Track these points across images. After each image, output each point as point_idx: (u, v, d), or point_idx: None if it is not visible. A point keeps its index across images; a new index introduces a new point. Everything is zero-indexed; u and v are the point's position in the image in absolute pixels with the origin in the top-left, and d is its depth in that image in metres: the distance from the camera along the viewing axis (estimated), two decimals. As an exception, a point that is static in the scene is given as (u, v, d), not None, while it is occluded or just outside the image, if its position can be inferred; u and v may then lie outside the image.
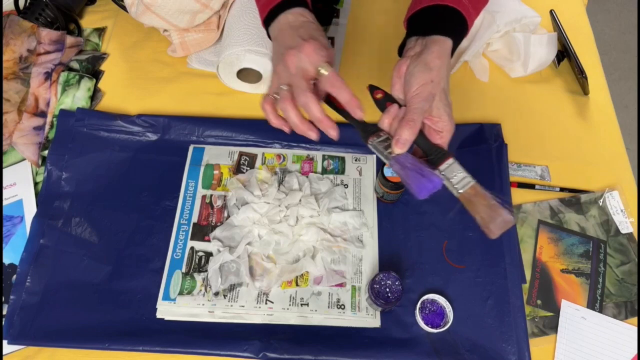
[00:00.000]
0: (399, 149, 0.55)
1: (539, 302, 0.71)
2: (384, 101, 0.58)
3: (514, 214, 0.76)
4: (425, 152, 0.57)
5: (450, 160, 0.56)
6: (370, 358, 0.66)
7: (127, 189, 0.78)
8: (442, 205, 0.77)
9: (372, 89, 0.60)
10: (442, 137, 0.57)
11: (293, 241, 0.73)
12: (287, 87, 0.56)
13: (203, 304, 0.69)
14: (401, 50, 0.64)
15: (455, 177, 0.55)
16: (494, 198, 0.54)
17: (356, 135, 0.63)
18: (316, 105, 0.54)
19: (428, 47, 0.58)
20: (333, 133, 0.55)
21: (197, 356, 0.67)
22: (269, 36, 0.64)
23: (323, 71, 0.55)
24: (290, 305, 0.70)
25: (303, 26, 0.59)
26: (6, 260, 0.73)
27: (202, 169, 0.80)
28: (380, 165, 0.71)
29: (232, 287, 0.70)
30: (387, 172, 0.70)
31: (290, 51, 0.56)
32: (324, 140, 0.72)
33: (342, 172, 0.80)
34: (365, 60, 0.93)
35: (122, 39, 0.94)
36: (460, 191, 0.55)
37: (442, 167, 0.55)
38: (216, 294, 0.70)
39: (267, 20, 0.62)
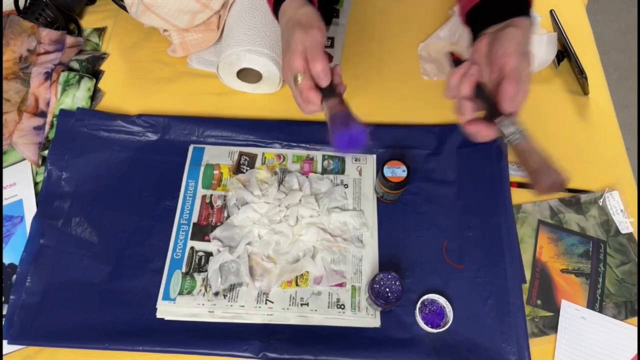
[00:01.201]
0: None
1: (538, 302, 0.72)
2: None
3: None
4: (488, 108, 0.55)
5: (512, 119, 0.53)
6: (370, 358, 0.66)
7: (127, 189, 0.78)
8: (442, 205, 0.77)
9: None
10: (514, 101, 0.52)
11: (293, 241, 0.73)
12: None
13: (203, 304, 0.69)
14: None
15: (510, 129, 0.53)
16: (550, 159, 0.52)
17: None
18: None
19: (509, 25, 0.55)
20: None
21: (197, 356, 0.67)
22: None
23: (298, 78, 0.58)
24: (290, 305, 0.70)
25: (297, 23, 0.59)
26: (6, 260, 0.73)
27: (202, 169, 0.80)
28: (380, 165, 0.71)
29: (232, 287, 0.70)
30: (387, 172, 0.70)
31: (284, 59, 0.59)
32: (324, 141, 0.72)
33: (342, 172, 0.80)
34: (365, 60, 0.93)
35: (122, 39, 0.94)
36: (516, 141, 0.53)
37: (498, 120, 0.53)
38: (216, 293, 0.70)
39: (275, 11, 0.65)
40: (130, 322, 0.68)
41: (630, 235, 0.76)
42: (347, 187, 0.79)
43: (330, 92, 0.58)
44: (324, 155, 0.82)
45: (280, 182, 0.78)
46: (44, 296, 0.70)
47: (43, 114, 0.84)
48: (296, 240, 0.73)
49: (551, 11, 0.91)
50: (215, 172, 0.80)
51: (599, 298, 0.72)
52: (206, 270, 0.71)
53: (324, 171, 0.80)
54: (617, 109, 0.88)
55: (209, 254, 0.73)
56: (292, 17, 0.60)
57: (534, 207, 0.78)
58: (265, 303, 0.70)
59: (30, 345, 0.68)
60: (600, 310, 0.71)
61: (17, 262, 0.72)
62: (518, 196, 0.79)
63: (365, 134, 0.55)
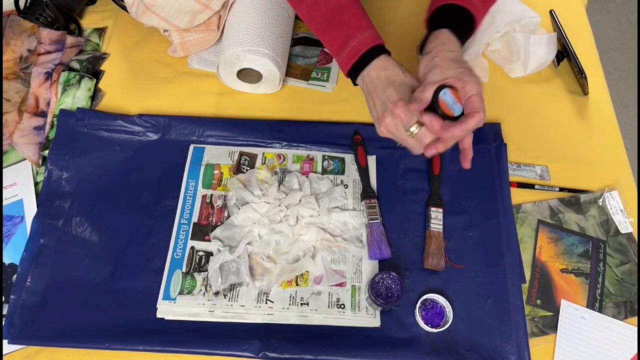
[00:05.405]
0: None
1: (538, 301, 0.72)
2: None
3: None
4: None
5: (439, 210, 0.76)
6: (370, 358, 0.66)
7: (128, 188, 0.78)
8: (443, 205, 0.77)
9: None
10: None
11: (293, 241, 0.73)
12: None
13: (203, 304, 0.69)
14: (421, 49, 0.70)
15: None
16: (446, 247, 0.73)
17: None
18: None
19: (429, 50, 0.65)
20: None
21: (197, 356, 0.67)
22: (354, 83, 0.69)
23: (414, 130, 0.63)
24: (290, 304, 0.70)
25: (391, 83, 0.64)
26: (6, 260, 0.74)
27: (202, 168, 0.80)
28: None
29: (232, 287, 0.70)
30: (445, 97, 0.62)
31: (385, 116, 0.63)
32: (324, 141, 0.73)
33: (342, 172, 0.80)
34: (365, 60, 0.92)
35: (122, 39, 0.94)
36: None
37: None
38: (216, 293, 0.70)
39: (353, 72, 0.67)
40: (130, 321, 0.68)
41: (629, 235, 0.76)
42: (347, 187, 0.79)
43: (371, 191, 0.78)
44: (324, 156, 0.82)
45: (281, 182, 0.79)
46: (45, 296, 0.70)
47: (43, 114, 0.84)
48: (296, 240, 0.73)
49: (551, 11, 0.92)
50: (216, 172, 0.80)
51: (598, 298, 0.72)
52: (206, 270, 0.72)
53: (324, 171, 0.80)
54: (617, 109, 0.88)
55: (209, 254, 0.73)
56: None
57: (534, 207, 0.78)
58: (266, 303, 0.70)
59: (30, 345, 0.68)
60: (600, 310, 0.71)
61: (17, 262, 0.72)
62: (518, 196, 0.79)
63: (390, 251, 0.72)
